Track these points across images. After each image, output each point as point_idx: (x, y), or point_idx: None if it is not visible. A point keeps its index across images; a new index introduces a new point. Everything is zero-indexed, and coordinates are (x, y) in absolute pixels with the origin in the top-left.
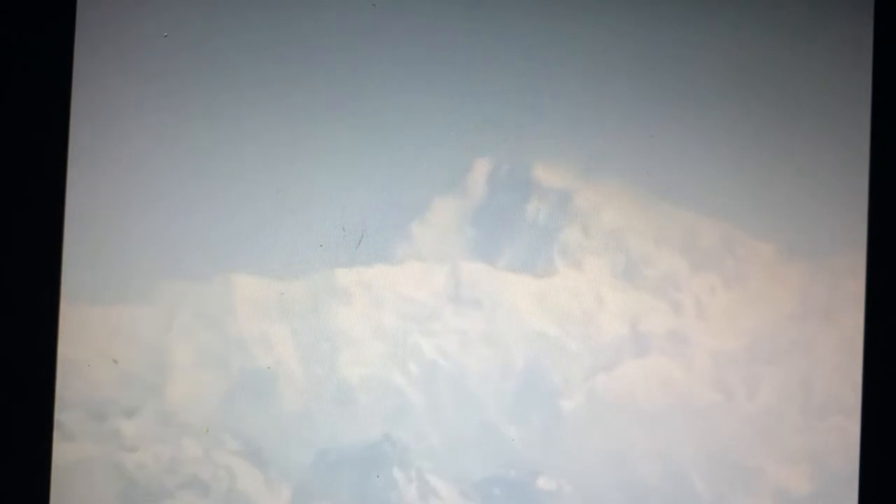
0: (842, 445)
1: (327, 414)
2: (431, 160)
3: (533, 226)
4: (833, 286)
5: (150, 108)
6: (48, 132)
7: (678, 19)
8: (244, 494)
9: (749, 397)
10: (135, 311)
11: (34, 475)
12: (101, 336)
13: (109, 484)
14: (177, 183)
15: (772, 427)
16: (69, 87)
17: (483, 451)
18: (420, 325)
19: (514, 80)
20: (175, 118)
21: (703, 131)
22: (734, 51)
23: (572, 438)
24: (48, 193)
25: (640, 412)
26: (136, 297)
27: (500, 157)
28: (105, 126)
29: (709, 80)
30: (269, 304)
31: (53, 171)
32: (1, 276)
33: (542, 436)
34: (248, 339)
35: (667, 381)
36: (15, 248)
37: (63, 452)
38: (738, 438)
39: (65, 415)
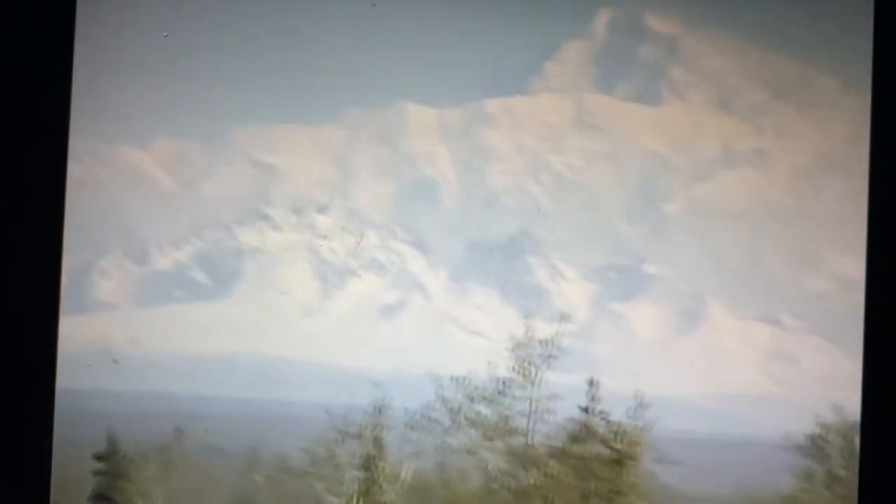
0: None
1: (477, 213)
2: (561, 9)
3: (645, 64)
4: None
5: (150, 106)
6: (48, 132)
7: None
8: (411, 274)
9: (816, 201)
10: (322, 131)
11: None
12: (298, 147)
13: (307, 265)
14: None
15: (832, 224)
16: (69, 87)
17: (601, 243)
18: (552, 144)
19: None
20: (176, 118)
21: None
22: None
23: (674, 233)
24: (49, 196)
25: (729, 213)
26: (322, 119)
27: (619, 6)
28: (105, 125)
29: None
30: (431, 126)
31: (54, 173)
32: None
33: (649, 232)
34: (416, 154)
35: (751, 188)
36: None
37: (270, 239)
38: (807, 233)
39: (271, 210)
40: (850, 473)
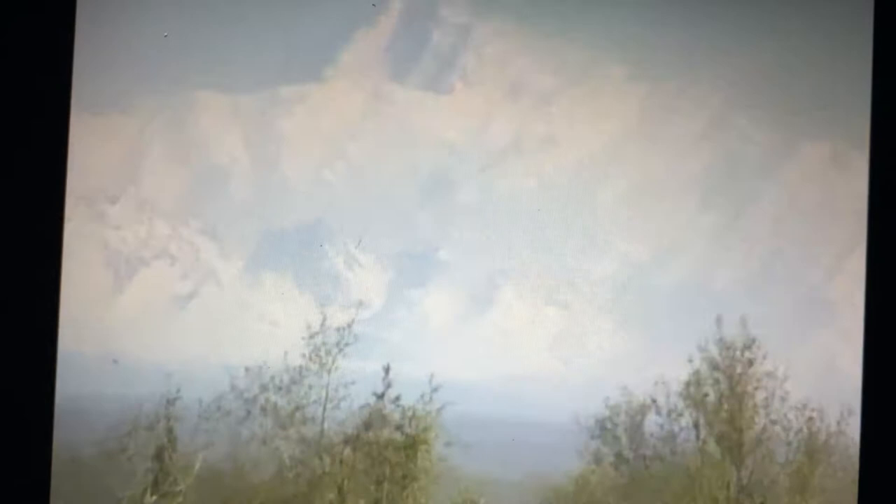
0: (678, 228)
1: (272, 201)
2: None
3: (437, 53)
4: (672, 100)
5: (150, 106)
6: (48, 132)
7: None
8: (204, 263)
9: (602, 186)
10: (112, 120)
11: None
12: (87, 137)
13: (98, 254)
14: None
15: (617, 209)
16: (69, 87)
17: (396, 230)
18: (346, 130)
19: None
20: (175, 119)
21: None
22: None
23: (466, 220)
24: (49, 196)
25: (520, 200)
26: (112, 107)
27: None
28: (105, 124)
29: None
30: (224, 114)
31: (53, 173)
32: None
33: (442, 219)
34: (208, 142)
35: (539, 174)
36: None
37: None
38: (594, 218)
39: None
40: (636, 455)
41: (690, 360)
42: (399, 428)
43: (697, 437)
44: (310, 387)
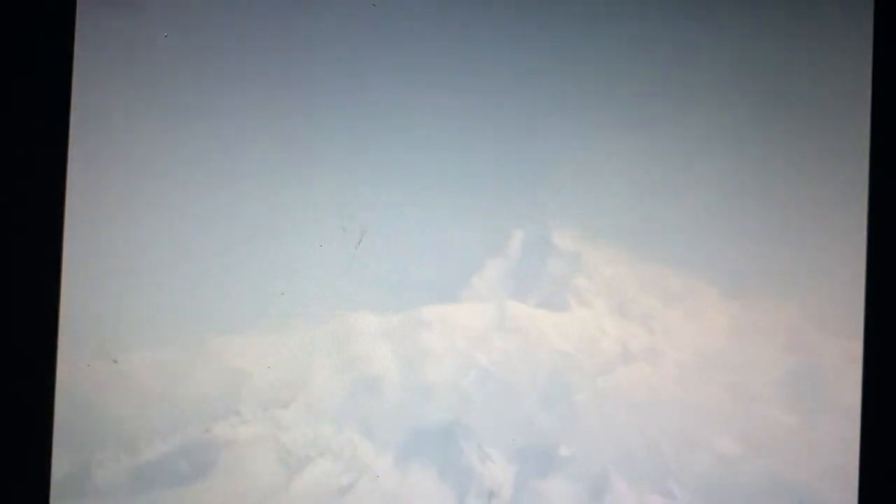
0: (764, 427)
1: (417, 405)
2: (483, 232)
3: (553, 276)
4: (758, 319)
5: (150, 108)
6: (48, 133)
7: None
8: (361, 459)
9: (698, 392)
10: (280, 338)
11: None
12: (261, 352)
13: (272, 454)
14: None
15: (712, 411)
16: (69, 88)
17: (521, 429)
18: (478, 344)
19: (535, 163)
20: (176, 118)
21: (676, 211)
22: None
23: (582, 420)
24: (49, 194)
25: (627, 403)
26: (280, 328)
27: (529, 227)
28: (105, 126)
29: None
30: (376, 332)
31: (53, 173)
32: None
33: (562, 419)
34: (363, 356)
35: (645, 382)
36: (14, 252)
37: (242, 433)
38: (691, 419)
39: (241, 406)
40: None
41: None
42: None
43: None
44: None
